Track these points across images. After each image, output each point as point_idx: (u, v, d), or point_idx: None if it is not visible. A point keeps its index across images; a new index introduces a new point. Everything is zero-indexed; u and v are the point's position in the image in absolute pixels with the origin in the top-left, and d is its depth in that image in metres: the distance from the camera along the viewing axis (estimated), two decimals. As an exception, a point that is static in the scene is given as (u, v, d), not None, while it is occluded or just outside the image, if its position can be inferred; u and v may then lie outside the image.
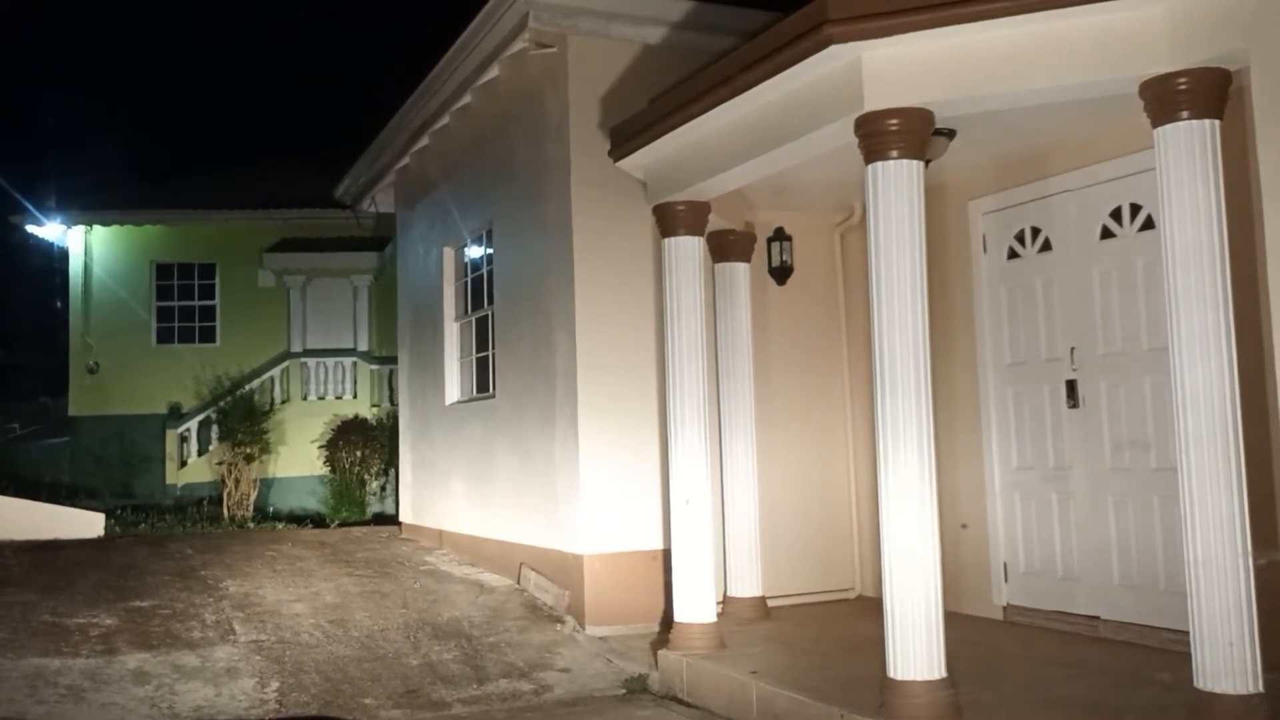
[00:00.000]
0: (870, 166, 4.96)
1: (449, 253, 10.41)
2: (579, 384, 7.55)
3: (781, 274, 8.24)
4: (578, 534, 7.54)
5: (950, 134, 6.03)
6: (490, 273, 9.38)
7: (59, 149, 34.67)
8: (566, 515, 7.70)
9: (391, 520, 12.80)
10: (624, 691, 6.49)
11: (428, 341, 10.83)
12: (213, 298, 19.11)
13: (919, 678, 4.75)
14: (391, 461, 14.55)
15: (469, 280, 10.09)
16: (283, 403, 18.06)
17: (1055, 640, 6.46)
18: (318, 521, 14.84)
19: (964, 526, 7.26)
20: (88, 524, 11.06)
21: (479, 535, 9.38)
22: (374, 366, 18.29)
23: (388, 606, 7.91)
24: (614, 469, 7.55)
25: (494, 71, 8.52)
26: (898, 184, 4.89)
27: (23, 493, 12.26)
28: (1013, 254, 7.12)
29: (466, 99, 9.19)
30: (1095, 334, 6.54)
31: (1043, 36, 4.70)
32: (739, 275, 7.47)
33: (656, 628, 7.33)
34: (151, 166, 25.27)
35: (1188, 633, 4.51)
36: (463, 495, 9.88)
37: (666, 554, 7.05)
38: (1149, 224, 6.15)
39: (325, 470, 16.05)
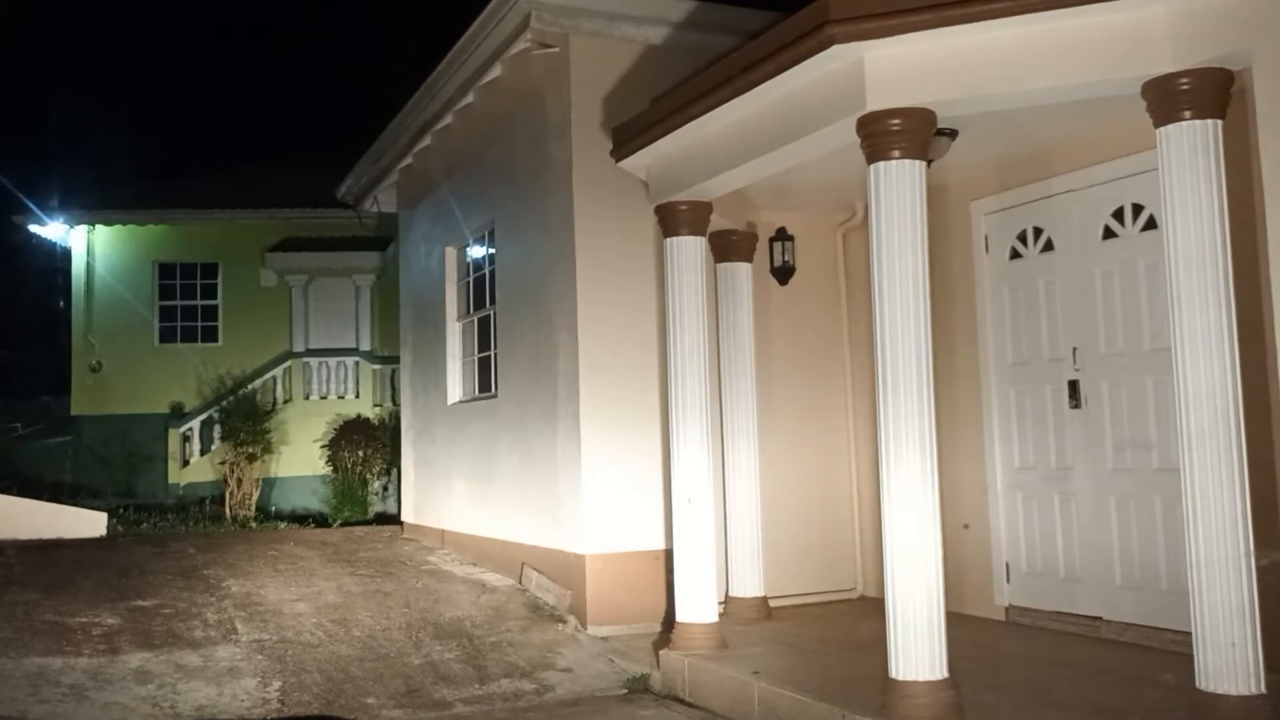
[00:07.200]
0: (872, 167, 4.95)
1: (451, 252, 10.41)
2: (581, 384, 7.55)
3: (784, 274, 8.24)
4: (580, 534, 7.54)
5: (952, 134, 6.04)
6: (492, 272, 9.38)
7: (62, 149, 34.71)
8: (568, 515, 7.71)
9: (393, 520, 12.81)
10: (626, 691, 6.49)
11: (430, 341, 10.84)
12: (215, 297, 19.14)
13: (921, 678, 4.75)
14: (394, 461, 14.56)
15: (471, 280, 10.10)
16: (285, 402, 18.08)
17: (1057, 641, 6.46)
18: (320, 521, 14.86)
19: (966, 527, 7.26)
20: (90, 523, 11.07)
21: (481, 535, 9.39)
22: (376, 366, 18.32)
23: (390, 606, 7.92)
24: (616, 469, 7.55)
25: (496, 71, 8.53)
26: (900, 184, 4.88)
27: (25, 492, 12.29)
28: (1015, 254, 7.12)
29: (469, 99, 9.19)
30: (1097, 334, 6.53)
31: (1045, 36, 4.69)
32: (741, 275, 7.47)
33: (658, 628, 7.33)
34: (154, 166, 25.28)
35: (1190, 634, 4.51)
36: (465, 495, 9.88)
37: (668, 554, 7.04)
38: (1151, 224, 6.14)
39: (327, 470, 16.08)
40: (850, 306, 8.41)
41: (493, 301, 9.36)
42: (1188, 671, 4.51)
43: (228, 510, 15.57)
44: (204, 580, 8.54)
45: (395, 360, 14.86)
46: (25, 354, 27.43)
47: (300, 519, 15.18)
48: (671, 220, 6.65)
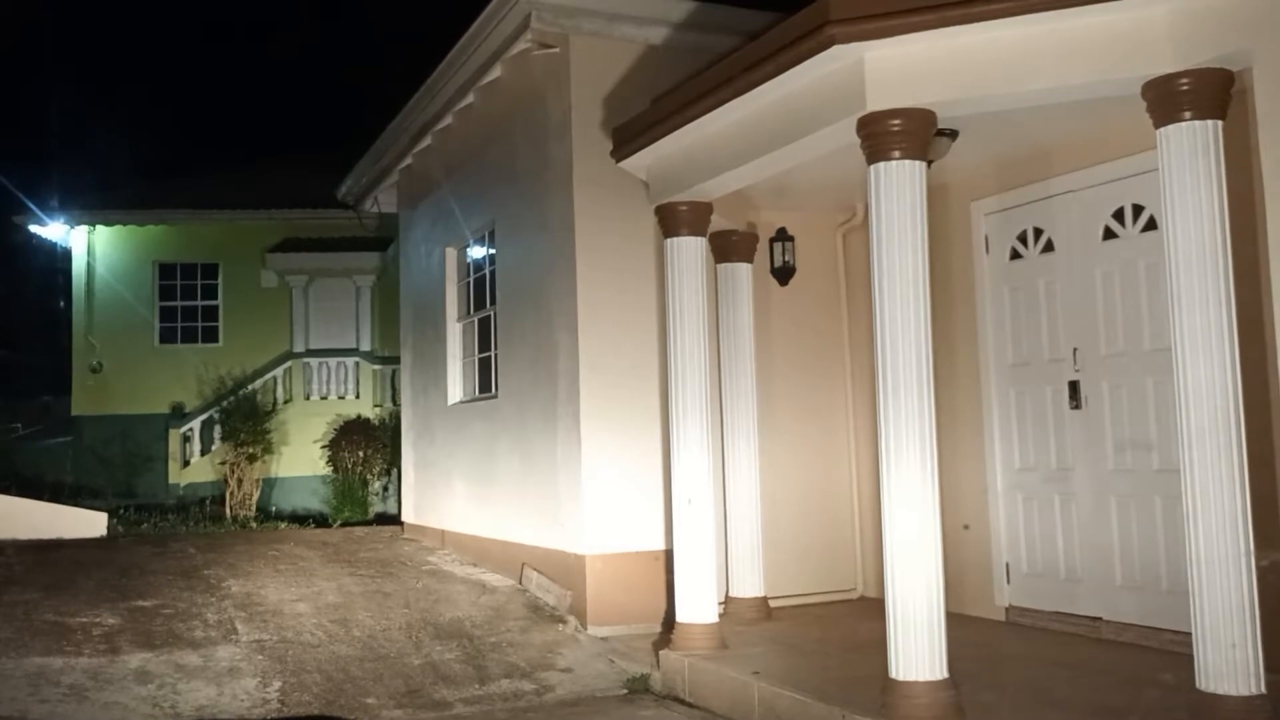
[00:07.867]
0: (872, 167, 4.95)
1: (451, 253, 10.41)
2: (581, 384, 7.55)
3: (784, 274, 8.24)
4: (580, 534, 7.54)
5: (953, 134, 6.04)
6: (492, 273, 9.38)
7: (62, 149, 34.73)
8: (569, 515, 7.71)
9: (394, 520, 12.81)
10: (626, 692, 6.49)
11: (430, 342, 10.84)
12: (215, 298, 19.16)
13: (921, 678, 4.75)
14: (394, 461, 14.56)
15: (471, 280, 10.10)
16: (285, 402, 18.08)
17: (1057, 641, 6.46)
18: (320, 521, 14.86)
19: (966, 527, 7.26)
20: (90, 523, 11.07)
21: (481, 535, 9.39)
22: (376, 366, 18.32)
23: (390, 606, 7.92)
24: (616, 469, 7.56)
25: (496, 72, 8.53)
26: (900, 185, 4.88)
27: (26, 492, 12.28)
28: (1015, 255, 7.12)
29: (469, 99, 9.19)
30: (1098, 335, 6.54)
31: (1045, 37, 4.70)
32: (741, 275, 7.47)
33: (658, 628, 7.33)
34: (154, 166, 25.32)
35: (1190, 634, 4.51)
36: (465, 495, 9.88)
37: (668, 554, 7.04)
38: (1151, 224, 6.15)
39: (328, 470, 16.08)
40: (850, 306, 8.42)
41: (493, 302, 9.36)
42: (1188, 671, 4.51)
43: (228, 510, 15.57)
44: (204, 580, 8.54)
45: (395, 360, 14.86)
46: (25, 354, 27.45)
47: (300, 519, 15.17)
48: (672, 220, 6.65)
